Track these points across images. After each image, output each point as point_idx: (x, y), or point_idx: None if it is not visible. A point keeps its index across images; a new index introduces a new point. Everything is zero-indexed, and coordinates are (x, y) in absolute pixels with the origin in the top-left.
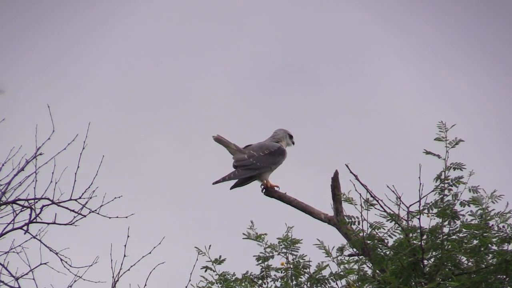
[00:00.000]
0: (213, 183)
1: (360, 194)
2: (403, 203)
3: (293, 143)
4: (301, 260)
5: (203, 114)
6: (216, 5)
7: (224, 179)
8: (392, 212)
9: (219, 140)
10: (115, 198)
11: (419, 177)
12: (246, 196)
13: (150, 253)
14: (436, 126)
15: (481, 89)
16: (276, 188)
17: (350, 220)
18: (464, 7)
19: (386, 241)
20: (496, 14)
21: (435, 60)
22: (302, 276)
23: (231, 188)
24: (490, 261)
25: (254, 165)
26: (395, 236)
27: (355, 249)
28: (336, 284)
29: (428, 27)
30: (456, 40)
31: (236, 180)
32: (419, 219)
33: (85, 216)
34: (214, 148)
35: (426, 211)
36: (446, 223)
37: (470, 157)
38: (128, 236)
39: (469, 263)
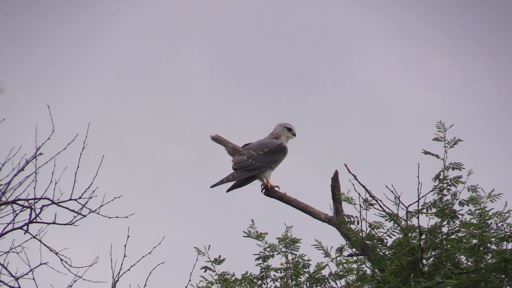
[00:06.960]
0: (211, 186)
1: (359, 194)
2: (402, 202)
3: (294, 135)
4: (300, 260)
5: (205, 115)
6: (214, 3)
7: (222, 182)
8: (391, 212)
9: (217, 139)
10: (115, 198)
11: (418, 176)
12: (246, 196)
13: (150, 253)
14: (435, 126)
15: (482, 87)
16: (276, 188)
17: (349, 220)
18: None
19: (385, 240)
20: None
21: (435, 59)
22: (301, 276)
23: (227, 191)
24: (489, 260)
25: (253, 165)
26: (394, 235)
27: (354, 250)
28: (336, 283)
29: (427, 24)
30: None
31: (234, 182)
32: (418, 218)
33: (85, 216)
34: (215, 149)
35: (425, 210)
36: (445, 222)
37: (469, 156)
38: (128, 236)
39: (468, 263)
